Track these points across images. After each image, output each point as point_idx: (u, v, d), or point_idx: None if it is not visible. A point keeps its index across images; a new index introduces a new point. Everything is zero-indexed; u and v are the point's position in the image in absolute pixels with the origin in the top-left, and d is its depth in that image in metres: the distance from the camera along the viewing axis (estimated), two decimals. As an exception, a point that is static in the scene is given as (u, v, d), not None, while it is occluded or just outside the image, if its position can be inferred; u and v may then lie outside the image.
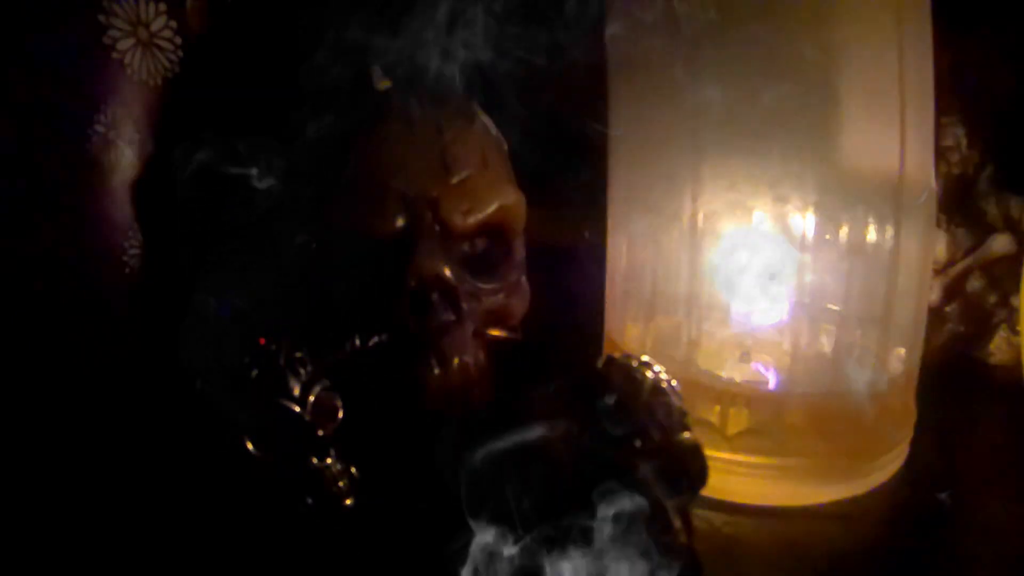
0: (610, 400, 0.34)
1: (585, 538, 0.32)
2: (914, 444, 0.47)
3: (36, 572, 0.36)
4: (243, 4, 0.52)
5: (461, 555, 0.32)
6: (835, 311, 0.43)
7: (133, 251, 0.46)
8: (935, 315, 0.60)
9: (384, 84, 0.48)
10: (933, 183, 0.45)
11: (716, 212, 0.42)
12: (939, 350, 0.60)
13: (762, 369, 0.44)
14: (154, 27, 0.45)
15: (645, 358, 0.37)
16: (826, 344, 0.43)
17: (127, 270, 0.46)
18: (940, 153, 0.55)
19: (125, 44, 0.44)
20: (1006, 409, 0.53)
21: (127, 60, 0.44)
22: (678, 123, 0.42)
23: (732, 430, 0.42)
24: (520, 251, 0.51)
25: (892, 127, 0.41)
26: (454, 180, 0.46)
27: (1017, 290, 0.55)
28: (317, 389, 0.39)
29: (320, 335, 0.43)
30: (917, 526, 0.41)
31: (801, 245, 0.41)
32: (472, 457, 0.34)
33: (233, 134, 0.49)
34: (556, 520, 0.32)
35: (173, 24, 0.46)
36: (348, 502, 0.39)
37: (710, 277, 0.43)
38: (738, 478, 0.42)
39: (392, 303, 0.45)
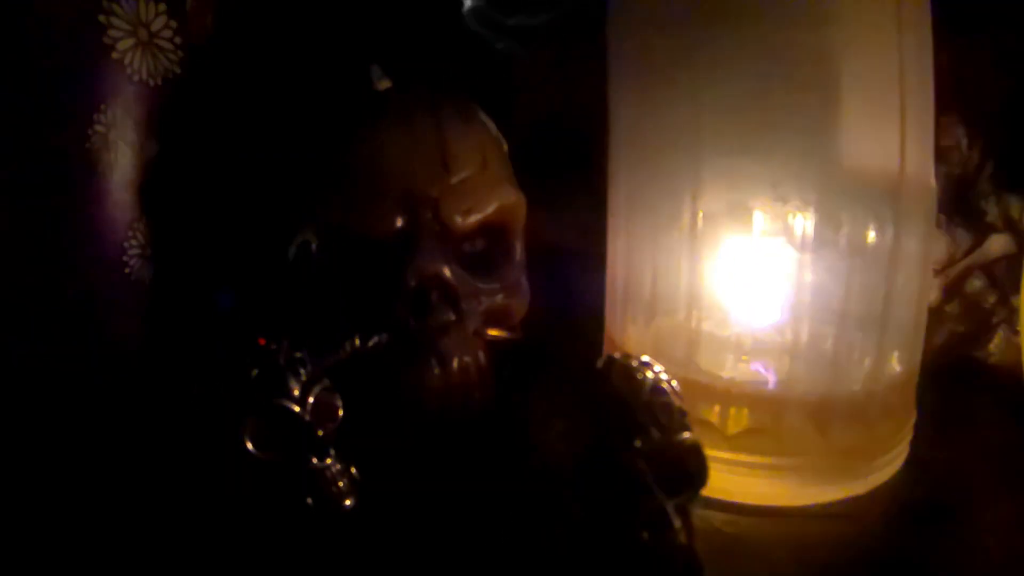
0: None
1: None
2: (914, 444, 0.47)
3: (37, 572, 0.36)
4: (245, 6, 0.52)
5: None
6: (835, 311, 0.43)
7: (133, 251, 0.46)
8: (935, 315, 0.60)
9: (384, 84, 0.48)
10: (933, 183, 0.45)
11: (716, 212, 0.42)
12: (939, 350, 0.60)
13: (762, 369, 0.44)
14: (154, 27, 0.45)
15: (645, 358, 0.37)
16: (826, 344, 0.43)
17: (127, 270, 0.46)
18: (940, 153, 0.55)
19: (125, 44, 0.44)
20: (1006, 409, 0.53)
21: (127, 60, 0.44)
22: (678, 123, 0.42)
23: (732, 430, 0.42)
24: (520, 251, 0.51)
25: (892, 127, 0.41)
26: (454, 180, 0.46)
27: (1017, 290, 0.55)
28: (317, 389, 0.39)
29: (320, 335, 0.43)
30: (917, 526, 0.41)
31: (801, 245, 0.41)
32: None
33: (233, 135, 0.49)
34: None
35: (173, 24, 0.46)
36: (348, 502, 0.39)
37: (710, 277, 0.43)
38: (738, 478, 0.42)
39: (392, 303, 0.45)
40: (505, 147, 0.52)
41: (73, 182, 0.44)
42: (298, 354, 0.40)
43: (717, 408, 0.43)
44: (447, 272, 0.45)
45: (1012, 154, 0.59)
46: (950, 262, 0.61)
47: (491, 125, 0.51)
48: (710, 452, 0.35)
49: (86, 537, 0.38)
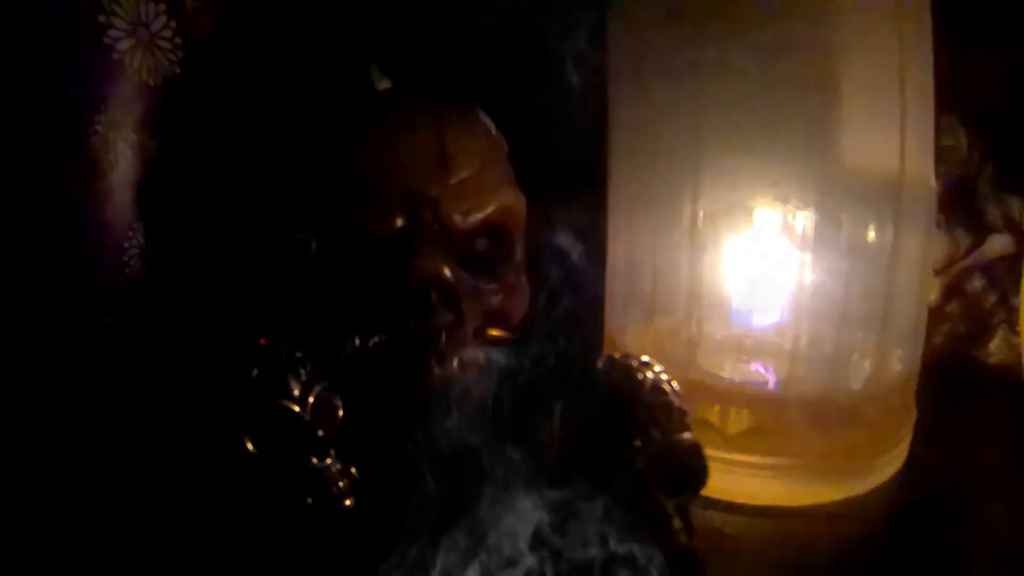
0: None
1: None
2: (914, 444, 0.47)
3: (37, 573, 0.36)
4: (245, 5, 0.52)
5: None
6: (835, 311, 0.43)
7: (133, 251, 0.46)
8: (935, 315, 0.60)
9: (384, 84, 0.48)
10: (933, 183, 0.45)
11: (716, 212, 0.42)
12: (939, 350, 0.60)
13: (762, 369, 0.44)
14: (154, 27, 0.45)
15: (645, 358, 0.37)
16: (826, 344, 0.43)
17: (127, 270, 0.46)
18: (940, 153, 0.55)
19: (125, 44, 0.44)
20: (1006, 409, 0.53)
21: (127, 60, 0.44)
22: (678, 123, 0.42)
23: (732, 430, 0.42)
24: (520, 251, 0.51)
25: (892, 127, 0.41)
26: (454, 180, 0.46)
27: (1017, 290, 0.55)
28: (317, 389, 0.39)
29: (320, 335, 0.43)
30: (917, 526, 0.41)
31: (801, 245, 0.41)
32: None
33: (233, 135, 0.49)
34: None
35: (173, 24, 0.46)
36: (348, 502, 0.39)
37: (710, 277, 0.43)
38: (738, 478, 0.42)
39: (392, 303, 0.45)
40: (505, 147, 0.52)
41: (73, 182, 0.44)
42: (298, 354, 0.40)
43: (717, 408, 0.43)
44: (447, 272, 0.45)
45: (1012, 154, 0.59)
46: (950, 262, 0.61)
47: (491, 125, 0.51)
48: (710, 452, 0.35)
49: (86, 537, 0.38)
